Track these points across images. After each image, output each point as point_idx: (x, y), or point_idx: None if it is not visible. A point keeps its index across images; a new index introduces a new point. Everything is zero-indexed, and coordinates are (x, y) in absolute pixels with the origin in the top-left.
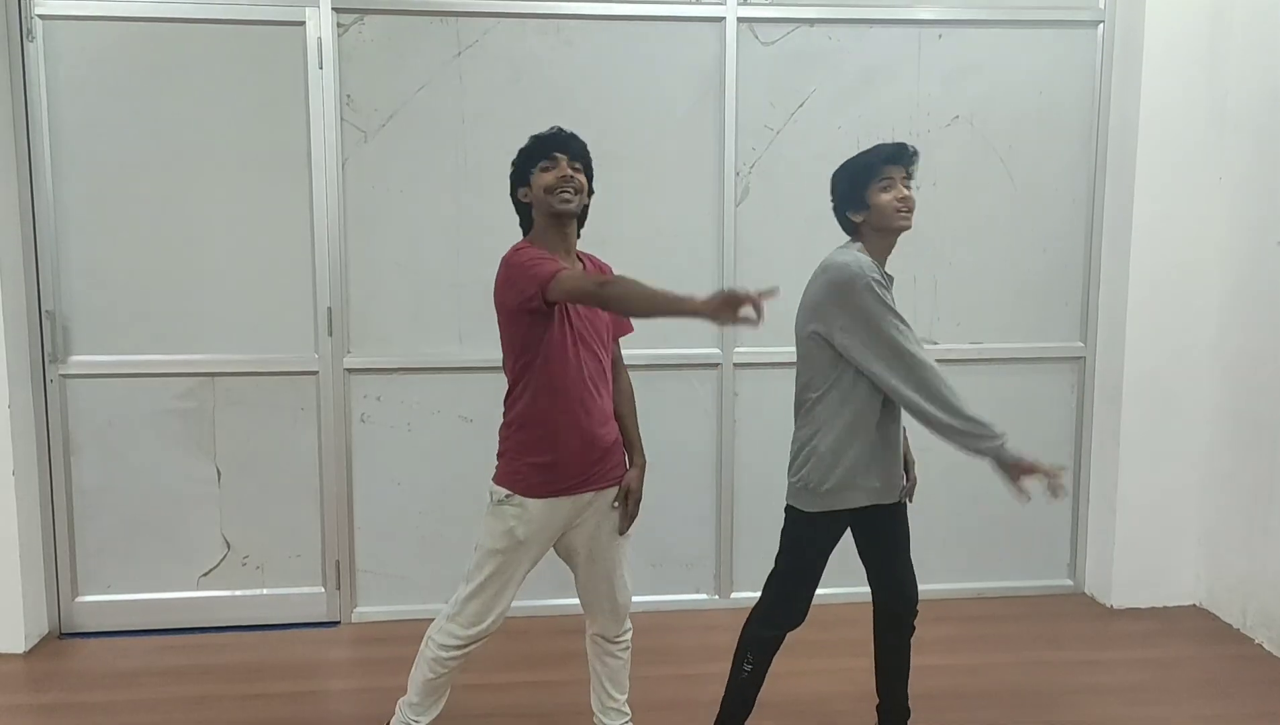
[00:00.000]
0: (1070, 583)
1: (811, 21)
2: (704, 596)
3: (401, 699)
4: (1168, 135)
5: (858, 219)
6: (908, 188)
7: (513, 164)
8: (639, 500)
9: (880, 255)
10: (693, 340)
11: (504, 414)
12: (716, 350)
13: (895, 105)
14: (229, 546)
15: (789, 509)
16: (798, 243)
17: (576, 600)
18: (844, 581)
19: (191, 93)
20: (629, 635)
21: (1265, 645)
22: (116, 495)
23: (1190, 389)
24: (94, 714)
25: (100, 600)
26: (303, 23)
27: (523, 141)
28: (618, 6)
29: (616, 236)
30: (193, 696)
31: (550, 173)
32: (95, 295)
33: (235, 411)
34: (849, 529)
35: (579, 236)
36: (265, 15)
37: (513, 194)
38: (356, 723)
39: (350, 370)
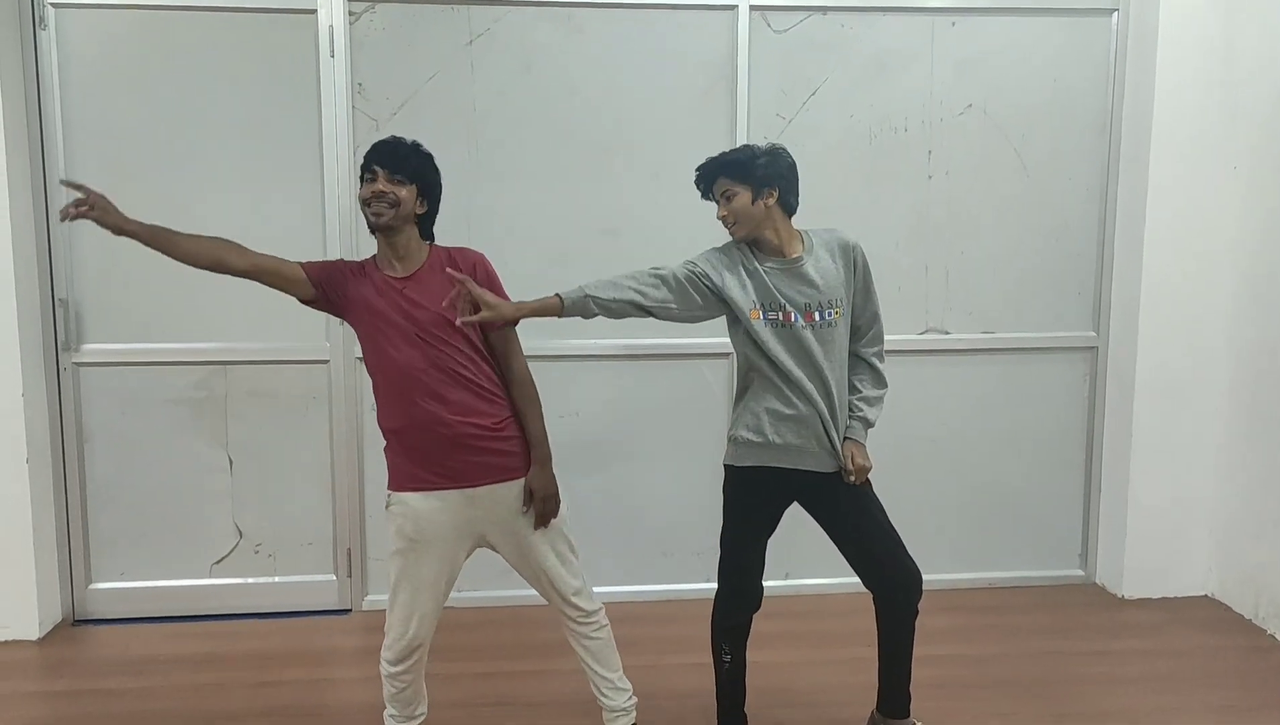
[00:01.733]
0: (1081, 573)
1: (824, 9)
2: (714, 586)
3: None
4: (1182, 124)
5: (769, 202)
6: (729, 198)
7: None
8: (545, 498)
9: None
10: (703, 330)
11: None
12: (727, 339)
13: (908, 94)
14: (241, 534)
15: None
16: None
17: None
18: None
19: (203, 80)
20: (599, 617)
21: (1277, 636)
22: (129, 483)
23: (1203, 379)
24: (107, 701)
25: (113, 588)
26: (314, 10)
27: (533, 130)
28: None
29: (627, 225)
30: (205, 684)
31: (366, 187)
32: (108, 284)
33: (247, 400)
34: (803, 511)
35: (431, 239)
36: (277, 3)
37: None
38: (367, 710)
39: (361, 358)
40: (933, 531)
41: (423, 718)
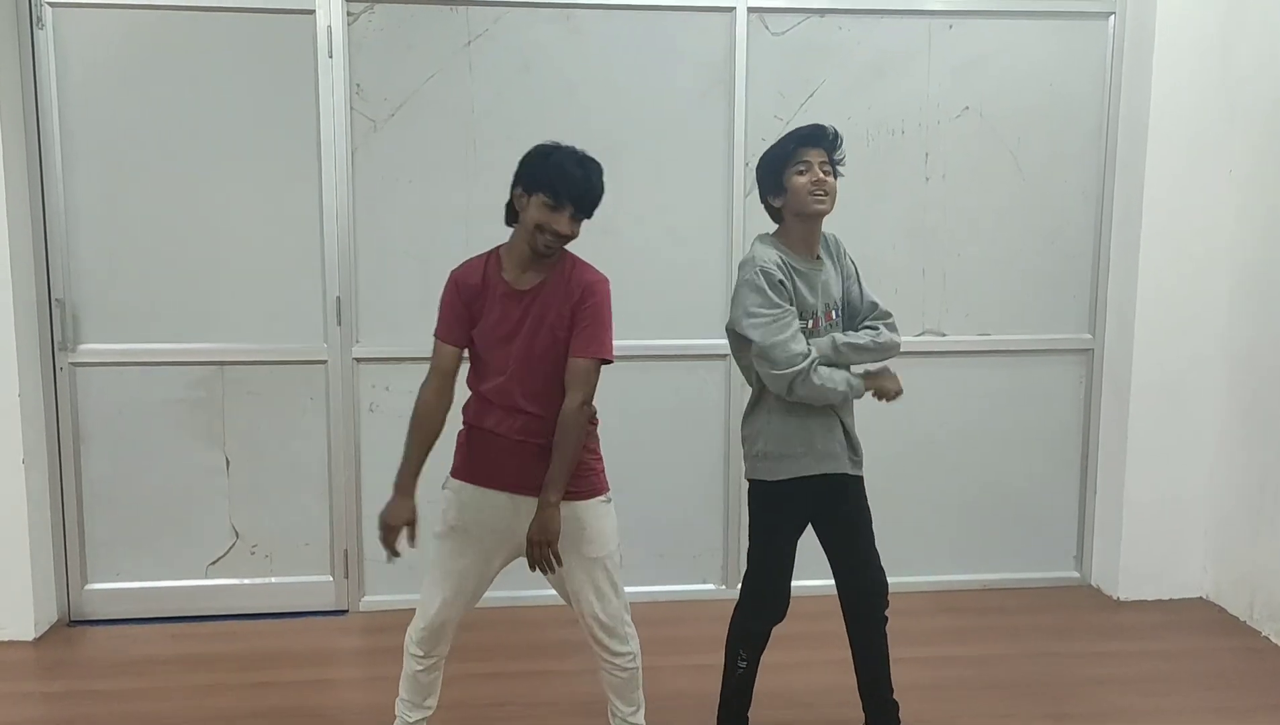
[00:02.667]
0: (1077, 575)
1: (822, 12)
2: (711, 587)
3: None
4: (1178, 128)
5: (777, 204)
6: (826, 172)
7: (523, 163)
8: (537, 542)
9: (799, 243)
10: (700, 331)
11: None
12: (723, 341)
13: (905, 96)
14: (238, 535)
15: (750, 485)
16: None
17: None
18: None
19: (201, 81)
20: (626, 660)
21: (1272, 638)
22: (126, 484)
23: (1199, 381)
24: (103, 701)
25: (109, 588)
26: (313, 11)
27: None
28: None
29: (625, 227)
30: (201, 684)
31: (544, 213)
32: (105, 284)
33: (244, 400)
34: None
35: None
36: (275, 4)
37: (513, 184)
38: (364, 711)
39: (359, 359)
40: (929, 532)
41: (430, 711)
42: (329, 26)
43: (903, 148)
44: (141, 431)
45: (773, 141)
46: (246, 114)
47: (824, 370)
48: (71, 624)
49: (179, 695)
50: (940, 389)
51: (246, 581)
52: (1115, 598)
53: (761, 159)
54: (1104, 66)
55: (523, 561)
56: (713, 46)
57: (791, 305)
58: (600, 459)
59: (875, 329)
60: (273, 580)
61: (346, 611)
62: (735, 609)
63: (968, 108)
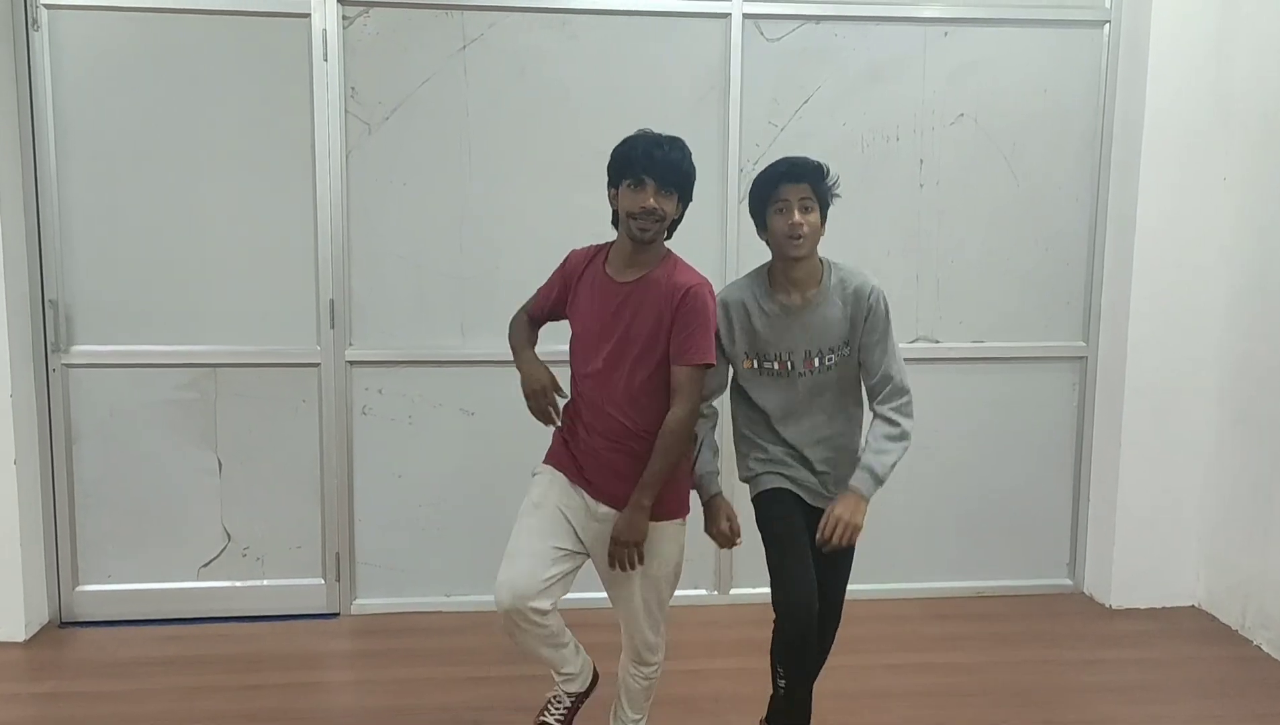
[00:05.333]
0: (1070, 582)
1: (817, 18)
2: (704, 592)
3: None
4: (1172, 135)
5: (763, 238)
6: (808, 209)
7: (608, 167)
8: (624, 543)
9: (782, 281)
10: None
11: None
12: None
13: (900, 103)
14: (229, 537)
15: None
16: None
17: (592, 593)
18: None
19: (196, 84)
20: (653, 671)
21: (1264, 647)
22: (118, 485)
23: (1192, 389)
24: (93, 703)
25: (100, 590)
26: (308, 14)
27: (526, 136)
28: (624, 1)
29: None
30: (192, 686)
31: (631, 197)
32: (98, 285)
33: (237, 402)
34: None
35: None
36: (270, 7)
37: (608, 189)
38: (355, 714)
39: (352, 362)
40: (922, 539)
41: (565, 679)
42: (324, 30)
43: (897, 154)
44: (134, 433)
45: (770, 141)
46: (241, 116)
47: (703, 453)
48: (62, 625)
49: (169, 697)
50: (934, 396)
51: (238, 584)
52: (1108, 605)
53: (750, 189)
54: (1099, 74)
55: (497, 569)
56: (708, 52)
57: (723, 350)
58: (691, 479)
59: (890, 423)
60: (264, 583)
61: (338, 614)
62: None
63: (962, 114)
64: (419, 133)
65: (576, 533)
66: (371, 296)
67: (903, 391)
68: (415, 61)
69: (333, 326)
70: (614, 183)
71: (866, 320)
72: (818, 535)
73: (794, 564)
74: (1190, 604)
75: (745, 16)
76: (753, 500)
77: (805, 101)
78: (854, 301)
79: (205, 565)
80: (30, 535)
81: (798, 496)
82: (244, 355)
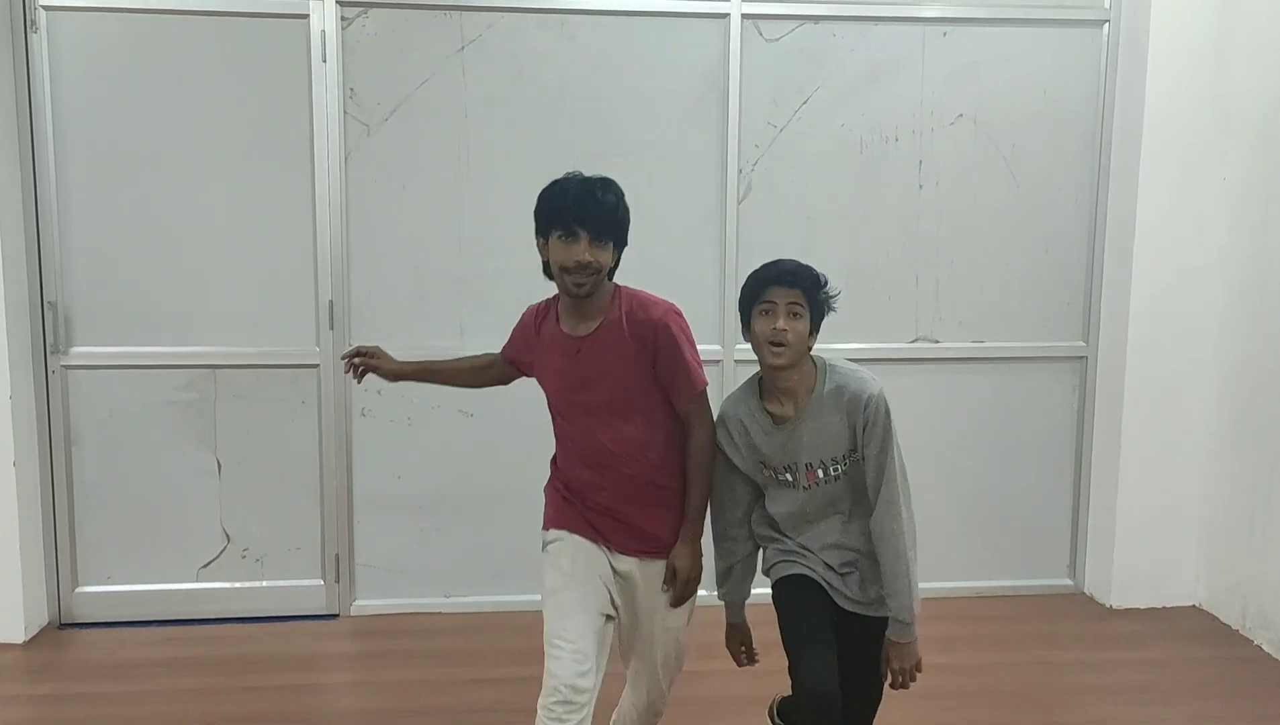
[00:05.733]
0: (1070, 582)
1: (816, 18)
2: (703, 593)
3: None
4: (1172, 136)
5: (746, 339)
6: (797, 314)
7: (535, 213)
8: (687, 579)
9: (771, 391)
10: (694, 337)
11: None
12: (717, 347)
13: (899, 103)
14: (229, 538)
15: None
16: (799, 241)
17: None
18: None
19: (195, 85)
20: (654, 718)
21: (1264, 647)
22: (117, 487)
23: (1191, 389)
24: (93, 704)
25: (100, 591)
26: (306, 15)
27: (525, 136)
28: (622, 2)
29: None
30: (191, 688)
31: (562, 250)
32: (97, 287)
33: (236, 404)
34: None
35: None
36: (269, 8)
37: (535, 238)
38: (355, 715)
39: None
40: (921, 539)
41: None
42: (323, 31)
43: (896, 155)
44: (133, 434)
45: (768, 142)
46: (240, 118)
47: (735, 575)
48: (62, 627)
49: (169, 698)
50: (933, 396)
51: (237, 585)
52: (1108, 606)
53: (741, 289)
54: (1098, 74)
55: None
56: (707, 53)
57: (736, 468)
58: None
59: (889, 547)
60: (264, 584)
61: (337, 615)
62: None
63: (961, 115)
64: (418, 134)
65: (611, 594)
66: (370, 298)
67: (891, 503)
68: (414, 62)
69: (332, 328)
70: (542, 232)
71: (865, 431)
72: (887, 678)
73: (813, 654)
74: (1191, 604)
75: (744, 17)
76: (772, 586)
77: (804, 102)
78: (849, 410)
79: (205, 566)
80: (30, 537)
81: (819, 584)
82: (243, 356)
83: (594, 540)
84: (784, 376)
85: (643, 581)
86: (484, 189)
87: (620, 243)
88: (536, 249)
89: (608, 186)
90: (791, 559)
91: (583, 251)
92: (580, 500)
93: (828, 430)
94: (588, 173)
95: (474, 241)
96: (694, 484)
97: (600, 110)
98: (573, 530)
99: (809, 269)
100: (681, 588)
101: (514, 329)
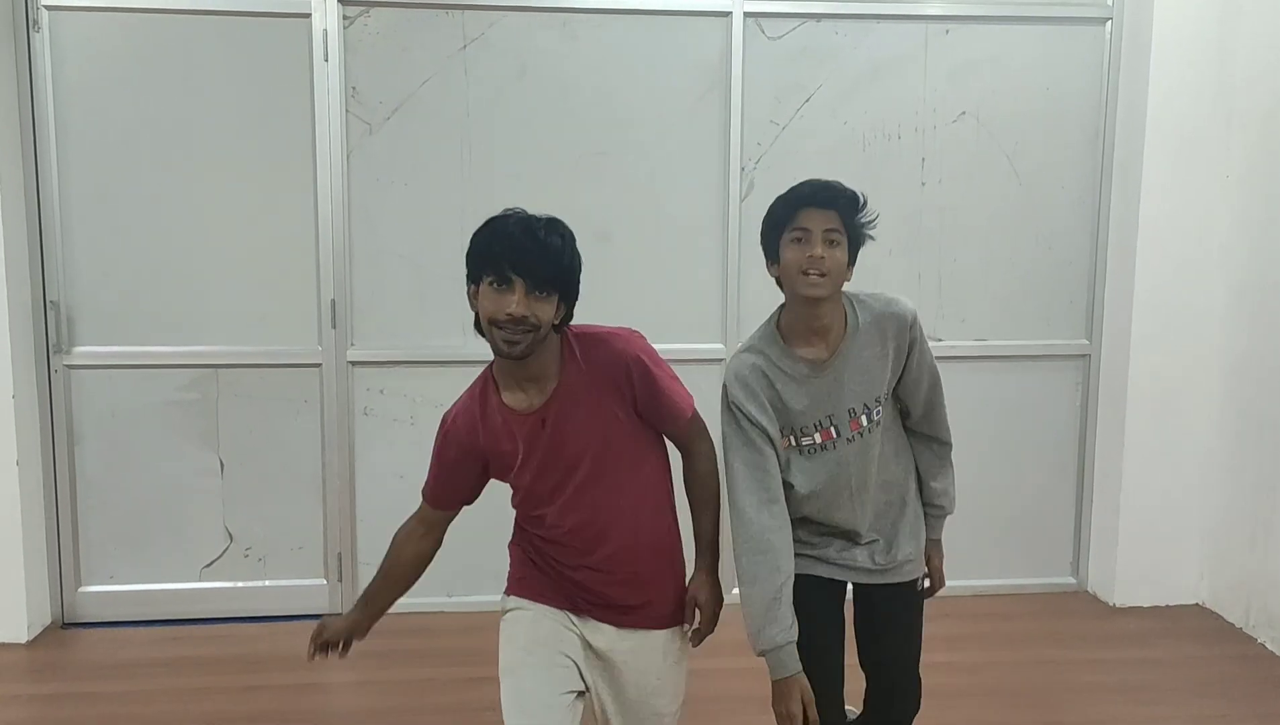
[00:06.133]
0: (1073, 581)
1: (818, 16)
2: None
3: None
4: (1174, 133)
5: (774, 274)
6: (833, 241)
7: (466, 256)
8: (711, 614)
9: (801, 331)
10: (696, 336)
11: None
12: (720, 346)
13: (901, 101)
14: (231, 538)
15: None
16: None
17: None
18: None
19: (197, 84)
20: None
21: (1268, 645)
22: (119, 486)
23: (1195, 387)
24: (96, 704)
25: (103, 591)
26: (309, 14)
27: (527, 135)
28: (624, 0)
29: (620, 231)
30: (194, 687)
31: (491, 299)
32: (100, 286)
33: (238, 403)
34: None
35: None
36: (271, 7)
37: (466, 285)
38: (357, 715)
39: (353, 363)
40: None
41: None
42: (325, 30)
43: (899, 152)
44: (135, 434)
45: (771, 139)
46: (242, 117)
47: (780, 612)
48: (65, 626)
49: (171, 698)
50: None
51: (240, 584)
52: (1111, 604)
53: (766, 212)
54: (1100, 72)
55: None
56: (709, 51)
57: (768, 436)
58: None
59: (938, 454)
60: (266, 583)
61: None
62: None
63: (964, 112)
64: (420, 132)
65: (580, 671)
66: (373, 297)
67: (944, 419)
68: (416, 61)
69: (334, 327)
70: (473, 278)
71: (912, 350)
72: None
73: (819, 683)
74: (1194, 602)
75: (746, 15)
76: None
77: (806, 100)
78: (895, 334)
79: (207, 566)
80: (32, 536)
81: (826, 581)
82: (245, 356)
83: (565, 608)
84: (821, 311)
85: (630, 656)
86: (486, 187)
87: (568, 296)
88: (467, 298)
89: (553, 227)
90: (801, 552)
91: (516, 302)
92: (558, 572)
93: (871, 365)
94: (590, 173)
95: None
96: (706, 507)
97: (602, 109)
98: (536, 598)
99: (845, 187)
100: (706, 624)
101: (433, 460)
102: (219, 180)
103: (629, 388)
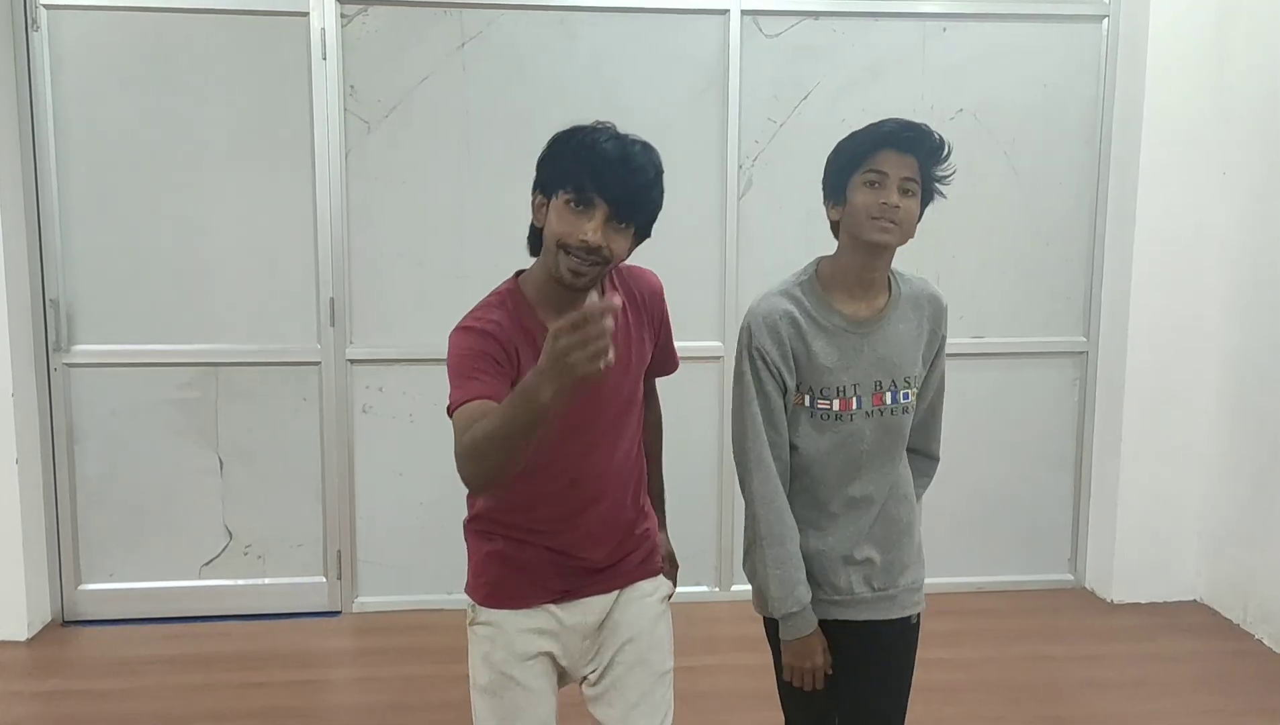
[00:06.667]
0: (1071, 577)
1: (815, 14)
2: (704, 589)
3: None
4: (1171, 130)
5: (834, 216)
6: (908, 190)
7: (539, 161)
8: (674, 565)
9: (850, 282)
10: (694, 333)
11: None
12: (718, 343)
13: (899, 99)
14: (231, 536)
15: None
16: (800, 236)
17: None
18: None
19: (195, 83)
20: None
21: (1265, 641)
22: (119, 484)
23: (1192, 384)
24: (95, 702)
25: (102, 588)
26: (306, 13)
27: (525, 133)
28: None
29: None
30: (194, 685)
31: (566, 219)
32: (99, 284)
33: (238, 401)
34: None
35: None
36: (269, 5)
37: (532, 191)
38: (357, 712)
39: (352, 361)
40: (923, 534)
41: None
42: (323, 28)
43: None
44: (135, 432)
45: (768, 137)
46: (240, 115)
47: (777, 548)
48: (65, 624)
49: (171, 695)
50: None
51: (239, 582)
52: (1109, 600)
53: (836, 148)
54: (1098, 69)
55: None
56: (707, 49)
57: (784, 388)
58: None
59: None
60: (266, 581)
61: (339, 612)
62: None
63: (961, 110)
64: (418, 131)
65: (561, 668)
66: (371, 294)
67: (938, 455)
68: (414, 60)
69: (333, 325)
70: (544, 188)
71: (939, 349)
72: None
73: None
74: (1191, 598)
75: (744, 12)
76: (770, 637)
77: (804, 97)
78: (932, 314)
79: (207, 564)
80: (32, 534)
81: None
82: (245, 354)
83: (541, 602)
84: (880, 263)
85: (622, 614)
86: (484, 185)
87: (643, 231)
88: (532, 208)
89: (648, 153)
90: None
91: (594, 229)
92: (528, 549)
93: (906, 340)
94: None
95: (475, 237)
96: (659, 459)
97: (600, 106)
98: (516, 603)
99: (931, 131)
100: (674, 573)
101: (469, 360)
102: (218, 179)
103: (658, 325)
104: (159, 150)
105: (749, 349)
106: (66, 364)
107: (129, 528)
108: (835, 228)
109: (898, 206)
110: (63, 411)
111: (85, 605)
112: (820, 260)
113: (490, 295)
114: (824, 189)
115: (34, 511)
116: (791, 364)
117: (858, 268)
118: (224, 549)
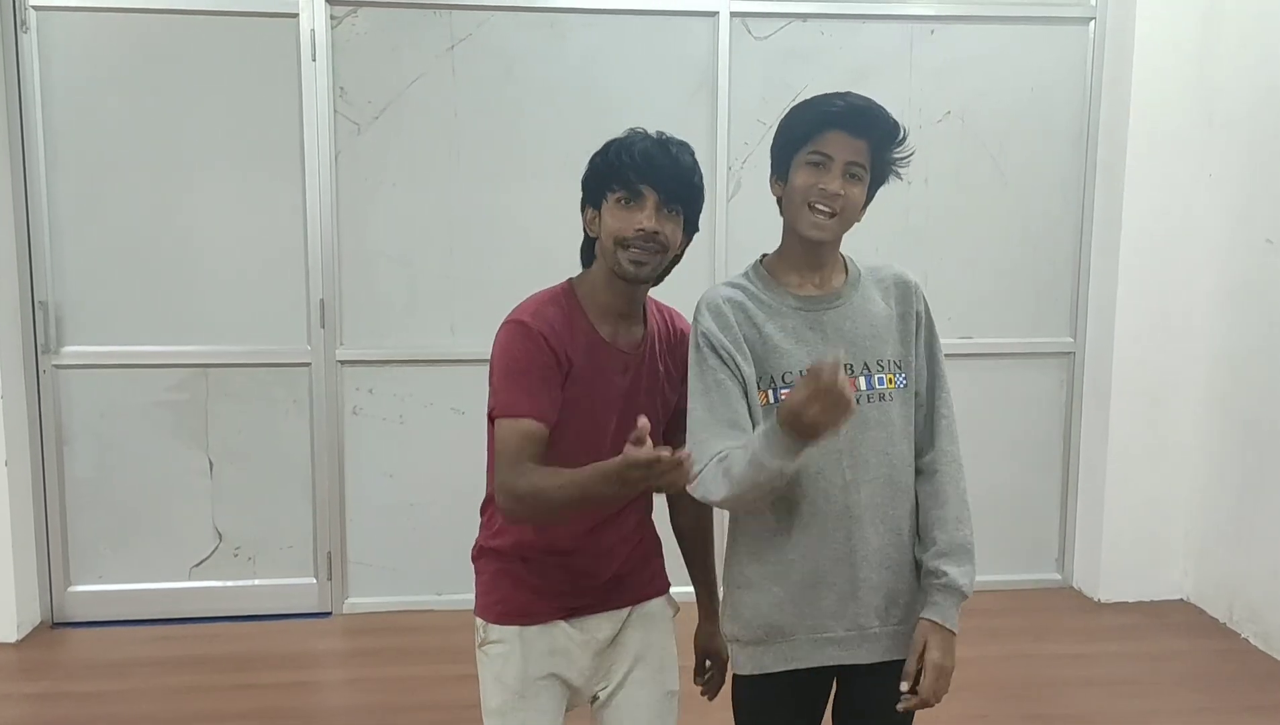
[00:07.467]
0: (1058, 576)
1: (804, 16)
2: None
3: None
4: (1158, 132)
5: (776, 192)
6: (854, 175)
7: (583, 181)
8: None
9: (799, 265)
10: None
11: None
12: None
13: (887, 101)
14: (221, 537)
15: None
16: None
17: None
18: None
19: (185, 84)
20: None
21: (1252, 640)
22: (109, 486)
23: (1179, 384)
24: (85, 703)
25: (92, 590)
26: (296, 14)
27: (514, 135)
28: (612, 1)
29: None
30: (184, 686)
31: (619, 214)
32: (89, 286)
33: (228, 403)
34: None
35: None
36: (259, 7)
37: (581, 210)
38: (347, 713)
39: (343, 362)
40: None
41: None
42: (312, 30)
43: None
44: (125, 434)
45: (758, 139)
46: (230, 117)
47: (730, 466)
48: (54, 626)
49: (162, 697)
50: None
51: (230, 584)
52: (1096, 599)
53: (784, 118)
54: (1084, 71)
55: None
56: (696, 51)
57: (741, 377)
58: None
59: (955, 490)
60: (256, 582)
61: (330, 614)
62: None
63: (949, 112)
64: (408, 132)
65: (571, 689)
66: (361, 296)
67: (952, 429)
68: (404, 61)
69: (323, 326)
70: (593, 200)
71: (920, 326)
72: (904, 692)
73: None
74: (1178, 598)
75: (733, 15)
76: (735, 680)
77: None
78: (899, 296)
79: (197, 565)
80: (22, 536)
81: (807, 676)
82: (235, 355)
83: (558, 619)
84: (822, 251)
85: (632, 631)
86: (474, 187)
87: (691, 222)
88: (584, 225)
89: (684, 147)
90: (778, 635)
91: (647, 215)
92: (540, 567)
93: (878, 321)
94: (578, 173)
95: (465, 239)
96: (707, 545)
97: (590, 108)
98: (526, 618)
99: (885, 114)
100: (720, 675)
101: (517, 373)
102: (207, 180)
103: (682, 370)
104: (148, 151)
105: (697, 342)
106: (56, 366)
107: (119, 529)
108: (779, 205)
109: (839, 194)
110: (52, 413)
111: (75, 607)
112: (765, 253)
113: (543, 291)
114: (771, 161)
115: (23, 513)
116: (745, 350)
117: (801, 251)
118: (214, 550)
